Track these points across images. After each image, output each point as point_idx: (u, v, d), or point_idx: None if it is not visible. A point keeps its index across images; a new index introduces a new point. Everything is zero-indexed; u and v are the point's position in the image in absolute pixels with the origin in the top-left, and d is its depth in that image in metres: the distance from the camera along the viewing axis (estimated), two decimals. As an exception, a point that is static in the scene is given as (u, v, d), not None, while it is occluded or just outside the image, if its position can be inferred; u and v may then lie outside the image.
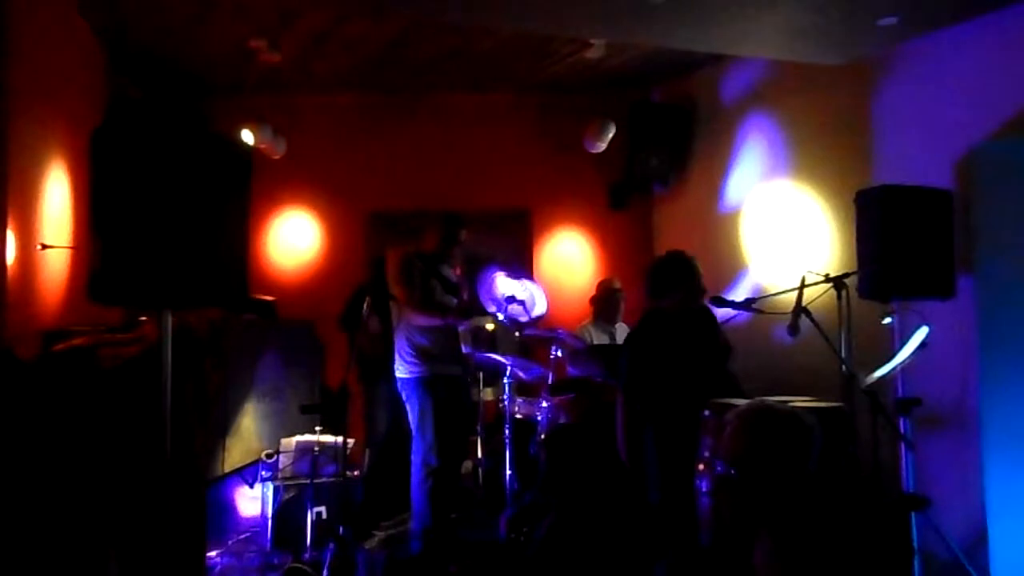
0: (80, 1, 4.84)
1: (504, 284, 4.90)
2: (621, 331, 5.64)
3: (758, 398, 3.01)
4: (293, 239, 6.74)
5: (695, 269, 3.88)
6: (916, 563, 3.75)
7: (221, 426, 4.58)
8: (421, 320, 4.57)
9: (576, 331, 5.73)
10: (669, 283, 3.87)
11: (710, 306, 4.08)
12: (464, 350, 4.84)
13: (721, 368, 3.95)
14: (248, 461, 4.85)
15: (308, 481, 4.55)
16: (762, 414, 2.17)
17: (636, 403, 3.76)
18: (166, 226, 2.32)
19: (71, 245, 4.55)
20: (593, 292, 6.02)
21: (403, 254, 4.71)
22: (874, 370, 3.69)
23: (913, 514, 3.77)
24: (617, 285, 5.86)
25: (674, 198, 6.76)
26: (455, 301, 4.80)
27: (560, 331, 5.37)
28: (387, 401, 5.18)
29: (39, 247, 4.14)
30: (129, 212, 2.29)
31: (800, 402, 3.35)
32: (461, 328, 4.76)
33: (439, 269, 4.76)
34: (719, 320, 4.12)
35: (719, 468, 2.15)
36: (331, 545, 4.08)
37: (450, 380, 4.67)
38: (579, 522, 4.43)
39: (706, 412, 3.41)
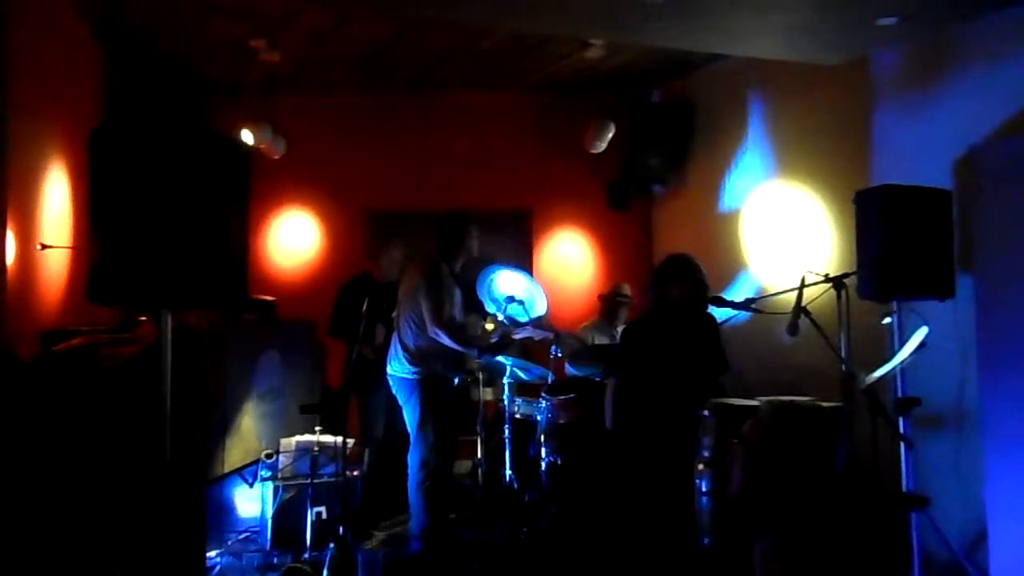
0: (80, 1, 4.84)
1: (504, 284, 4.90)
2: (623, 334, 5.66)
3: (766, 397, 3.02)
4: (293, 239, 6.75)
5: (693, 268, 3.89)
6: (916, 563, 3.75)
7: (221, 426, 4.58)
8: (444, 340, 4.46)
9: (578, 331, 5.73)
10: (663, 281, 3.90)
11: (710, 310, 4.08)
12: (473, 355, 4.74)
13: (711, 378, 3.97)
14: (248, 461, 4.85)
15: (308, 481, 4.54)
16: (791, 411, 2.16)
17: (626, 390, 3.80)
18: (165, 226, 2.31)
19: (71, 245, 4.55)
20: (600, 291, 6.06)
21: (431, 264, 4.57)
22: (874, 370, 3.68)
23: (913, 514, 3.77)
24: (626, 291, 5.86)
25: (673, 198, 6.77)
26: (458, 313, 4.74)
27: (561, 331, 5.36)
28: (383, 407, 5.19)
29: (39, 247, 4.14)
30: (128, 212, 2.29)
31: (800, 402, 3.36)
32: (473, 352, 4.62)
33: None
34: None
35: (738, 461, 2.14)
36: (330, 545, 4.08)
37: (446, 380, 4.69)
38: (579, 520, 4.44)
39: (705, 412, 3.41)
